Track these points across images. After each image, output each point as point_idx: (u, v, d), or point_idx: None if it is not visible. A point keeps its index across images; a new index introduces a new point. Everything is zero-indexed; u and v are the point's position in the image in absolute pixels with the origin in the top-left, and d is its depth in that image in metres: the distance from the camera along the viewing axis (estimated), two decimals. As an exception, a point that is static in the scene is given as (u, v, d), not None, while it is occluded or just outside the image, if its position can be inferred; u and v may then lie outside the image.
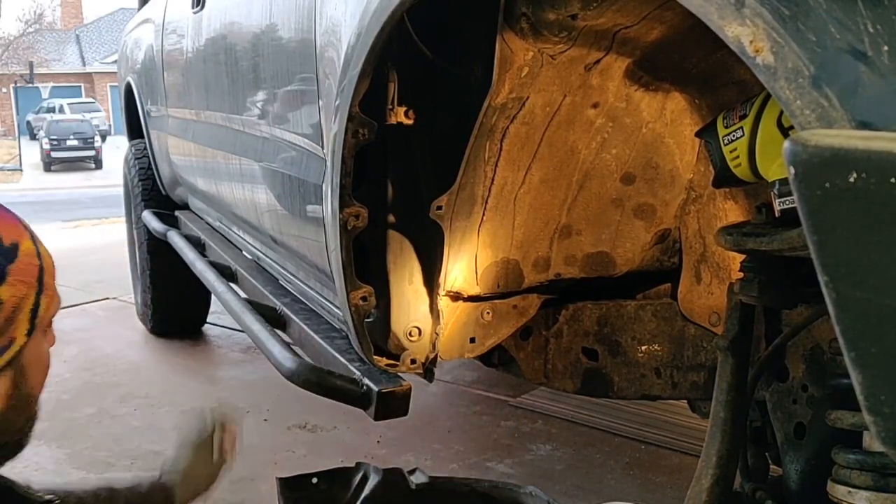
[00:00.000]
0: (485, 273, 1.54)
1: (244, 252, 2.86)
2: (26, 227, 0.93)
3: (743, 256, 1.19)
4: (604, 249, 1.59)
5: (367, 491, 1.55)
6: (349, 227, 1.44)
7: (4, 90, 32.30)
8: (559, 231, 1.55)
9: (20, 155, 21.26)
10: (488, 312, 1.59)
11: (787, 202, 0.99)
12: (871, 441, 1.05)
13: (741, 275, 1.19)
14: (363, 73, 1.29)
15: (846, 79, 0.56)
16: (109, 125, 28.52)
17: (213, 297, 2.68)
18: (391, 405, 1.55)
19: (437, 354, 1.59)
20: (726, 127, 1.11)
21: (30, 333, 0.89)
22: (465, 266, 1.53)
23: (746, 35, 0.63)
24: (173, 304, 4.04)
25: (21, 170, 20.08)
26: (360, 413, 1.61)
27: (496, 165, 1.43)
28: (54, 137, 20.99)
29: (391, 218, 1.52)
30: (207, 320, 4.34)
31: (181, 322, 4.18)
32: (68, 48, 36.18)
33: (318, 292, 1.96)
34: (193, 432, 1.32)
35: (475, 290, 1.56)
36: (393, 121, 1.41)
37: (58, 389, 3.40)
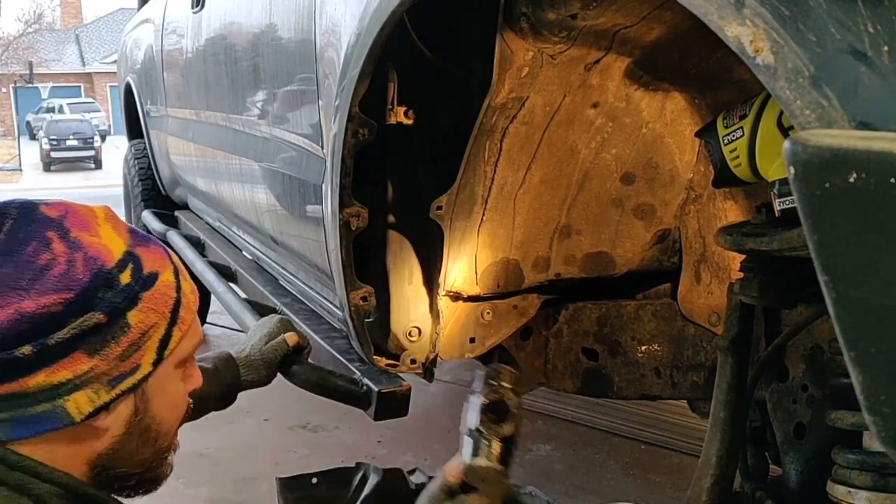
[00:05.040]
0: (485, 273, 1.54)
1: (244, 252, 2.86)
2: (173, 262, 0.94)
3: (743, 256, 1.19)
4: (604, 249, 1.59)
5: (367, 491, 1.55)
6: (349, 227, 1.44)
7: (4, 90, 32.29)
8: (559, 231, 1.55)
9: (20, 155, 21.23)
10: (488, 312, 1.59)
11: (787, 202, 0.99)
12: (871, 441, 1.05)
13: (741, 275, 1.19)
14: (363, 74, 1.29)
15: (846, 79, 0.56)
16: (109, 125, 28.52)
17: (212, 297, 2.68)
18: (391, 405, 1.55)
19: (436, 354, 1.59)
20: (726, 127, 1.11)
21: (156, 363, 0.89)
22: (464, 266, 1.53)
23: (746, 35, 0.63)
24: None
25: (21, 170, 20.05)
26: (360, 413, 1.61)
27: (496, 165, 1.43)
28: (54, 137, 20.96)
29: (391, 218, 1.52)
30: (207, 320, 4.34)
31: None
32: (68, 48, 36.19)
33: (318, 292, 1.96)
34: (262, 328, 1.48)
35: (475, 290, 1.56)
36: (393, 121, 1.41)
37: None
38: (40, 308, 0.80)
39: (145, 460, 0.93)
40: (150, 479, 0.96)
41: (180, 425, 1.00)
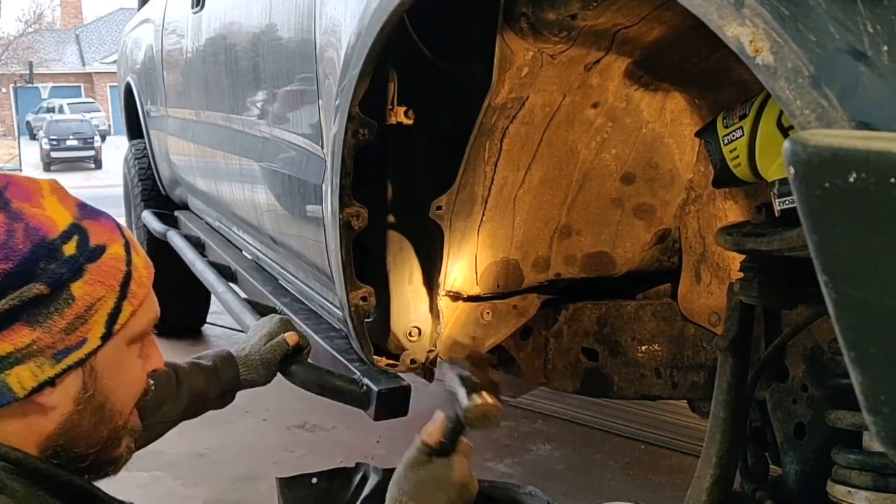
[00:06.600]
0: (485, 273, 1.54)
1: (244, 252, 2.86)
2: (124, 236, 0.91)
3: (743, 256, 1.19)
4: (604, 249, 1.59)
5: (367, 491, 1.55)
6: (349, 227, 1.44)
7: (4, 90, 32.29)
8: (559, 231, 1.55)
9: (20, 155, 21.22)
10: (488, 312, 1.59)
11: (787, 202, 0.99)
12: (871, 441, 1.05)
13: (741, 275, 1.19)
14: (363, 73, 1.29)
15: (846, 79, 0.56)
16: (109, 125, 28.50)
17: (212, 297, 2.68)
18: (391, 405, 1.55)
19: (437, 354, 1.59)
20: (726, 127, 1.11)
21: (105, 338, 0.86)
22: (464, 266, 1.53)
23: (746, 35, 0.63)
24: (173, 305, 4.03)
25: (21, 170, 20.00)
26: (360, 413, 1.61)
27: (496, 165, 1.43)
28: (54, 137, 20.97)
29: (391, 218, 1.52)
30: (207, 320, 4.34)
31: (181, 322, 4.17)
32: (68, 48, 36.19)
33: (318, 292, 1.96)
34: (262, 327, 1.49)
35: (475, 290, 1.56)
36: (393, 121, 1.41)
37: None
38: None
39: (99, 440, 0.90)
40: (107, 460, 0.92)
41: (137, 405, 0.96)
